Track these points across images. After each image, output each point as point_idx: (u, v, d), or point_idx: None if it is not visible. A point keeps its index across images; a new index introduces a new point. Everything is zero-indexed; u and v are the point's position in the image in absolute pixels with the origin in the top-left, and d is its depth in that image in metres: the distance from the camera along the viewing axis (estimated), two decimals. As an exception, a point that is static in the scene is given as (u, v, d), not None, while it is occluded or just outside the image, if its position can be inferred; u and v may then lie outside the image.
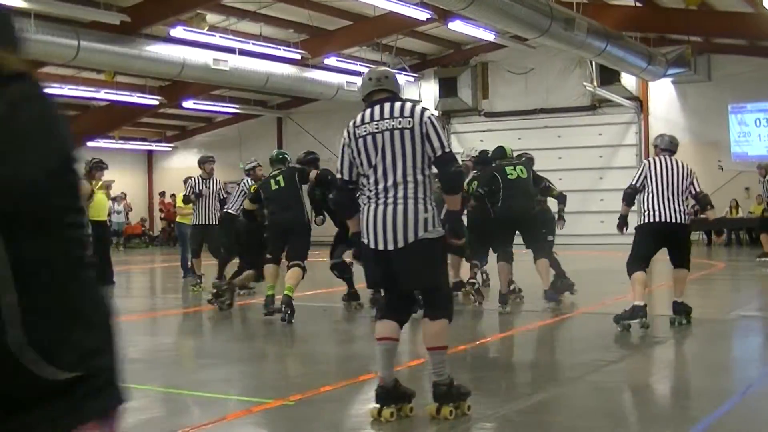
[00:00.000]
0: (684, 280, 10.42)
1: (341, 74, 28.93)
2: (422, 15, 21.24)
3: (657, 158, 10.35)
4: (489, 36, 23.72)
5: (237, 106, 33.31)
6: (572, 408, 6.57)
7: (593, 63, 26.48)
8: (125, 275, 18.02)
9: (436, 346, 6.00)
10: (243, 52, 24.63)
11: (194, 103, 30.92)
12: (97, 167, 14.95)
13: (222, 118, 36.67)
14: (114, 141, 34.62)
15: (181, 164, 36.90)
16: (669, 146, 10.53)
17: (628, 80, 28.17)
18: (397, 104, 6.00)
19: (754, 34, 24.27)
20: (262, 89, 28.31)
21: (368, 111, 6.08)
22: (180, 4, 21.68)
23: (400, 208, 5.81)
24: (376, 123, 5.96)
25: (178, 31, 21.70)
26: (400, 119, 5.88)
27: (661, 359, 8.61)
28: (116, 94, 28.04)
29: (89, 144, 32.33)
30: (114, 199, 30.57)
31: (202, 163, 16.55)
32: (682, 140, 26.89)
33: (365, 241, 5.99)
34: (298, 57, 25.68)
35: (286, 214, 11.46)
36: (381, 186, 5.90)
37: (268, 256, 11.66)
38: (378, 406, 5.99)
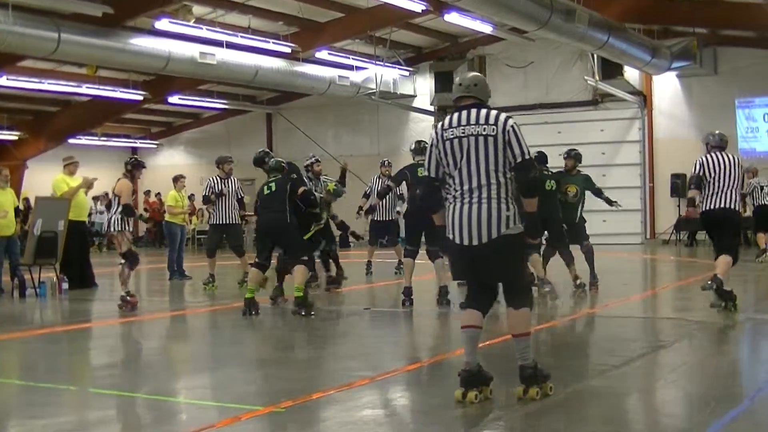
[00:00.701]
0: (727, 265, 11.43)
1: (333, 68, 28.96)
2: (417, 6, 21.23)
3: (710, 155, 11.55)
4: (486, 28, 23.71)
5: (225, 101, 33.27)
6: (574, 414, 6.57)
7: (595, 56, 26.50)
8: (108, 278, 17.97)
9: (520, 333, 6.76)
10: (231, 46, 24.61)
11: (180, 99, 30.87)
12: (138, 166, 14.81)
13: (209, 114, 36.65)
14: (96, 138, 34.60)
15: (166, 162, 36.87)
16: (720, 143, 11.76)
17: (631, 74, 28.18)
18: (483, 111, 6.70)
19: (762, 25, 24.27)
20: (250, 84, 28.26)
21: (456, 115, 6.76)
22: (165, -6, 21.68)
23: (484, 207, 6.58)
24: (462, 128, 6.67)
25: (163, 24, 21.67)
26: (485, 126, 6.62)
27: (666, 364, 8.61)
28: (98, 89, 27.94)
29: (71, 141, 32.32)
30: (96, 199, 30.55)
31: (220, 163, 17.01)
32: (687, 136, 27.28)
33: (450, 236, 6.73)
34: (289, 50, 25.66)
35: (269, 215, 12.32)
36: (466, 186, 6.66)
37: (256, 260, 12.31)
38: (463, 389, 6.65)
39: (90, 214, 19.10)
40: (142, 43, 22.91)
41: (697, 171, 11.57)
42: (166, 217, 19.22)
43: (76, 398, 7.64)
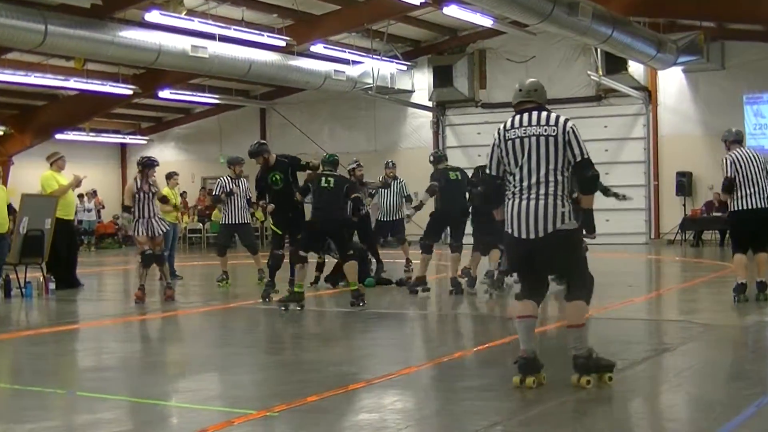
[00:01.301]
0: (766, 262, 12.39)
1: (329, 62, 28.96)
2: (416, -1, 21.28)
3: (735, 152, 12.55)
4: (487, 22, 23.73)
5: (217, 96, 33.23)
6: (576, 418, 6.59)
7: (598, 50, 26.51)
8: (96, 277, 18.00)
9: (574, 324, 7.31)
10: (223, 39, 24.59)
11: (171, 93, 30.88)
12: (148, 165, 15.21)
13: (201, 109, 36.63)
14: (84, 133, 34.59)
15: (156, 158, 36.80)
16: (737, 137, 12.93)
17: (636, 69, 28.19)
18: (544, 113, 7.43)
19: (771, 18, 24.32)
20: (244, 78, 28.26)
21: (517, 117, 7.47)
22: (156, -14, 21.68)
23: (541, 203, 7.17)
24: (524, 128, 7.34)
25: (153, 16, 21.67)
26: (546, 127, 7.30)
27: (671, 367, 8.63)
28: (87, 82, 27.96)
29: (58, 136, 32.31)
30: (81, 196, 30.44)
31: (232, 164, 17.53)
32: (693, 133, 27.35)
33: (509, 230, 7.33)
34: (283, 44, 25.67)
35: (335, 213, 13.31)
36: (525, 183, 7.26)
37: (302, 253, 13.14)
38: (521, 375, 7.29)
39: (75, 212, 19.05)
40: (132, 35, 22.89)
41: (729, 172, 12.38)
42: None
43: (64, 402, 7.64)
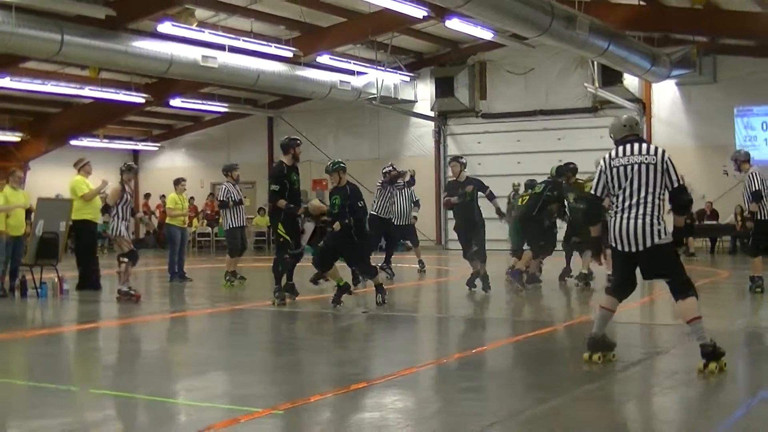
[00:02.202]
0: None
1: (334, 73, 28.98)
2: (419, 12, 21.21)
3: (753, 169, 14.61)
4: (487, 35, 23.74)
5: (226, 104, 33.26)
6: (572, 419, 6.57)
7: (595, 63, 26.48)
8: (112, 279, 17.96)
9: (691, 318, 8.02)
10: (233, 49, 24.61)
11: (182, 102, 30.90)
12: (129, 170, 15.47)
13: (210, 117, 36.64)
14: (98, 140, 34.61)
15: (167, 164, 36.91)
16: (747, 157, 14.99)
17: (631, 81, 28.20)
18: (644, 145, 8.32)
19: (762, 34, 24.27)
20: (252, 87, 28.28)
21: (621, 148, 8.34)
22: (168, -2, 21.71)
23: (639, 222, 8.11)
24: (627, 157, 8.22)
25: (165, 27, 21.69)
26: (647, 156, 8.18)
27: (664, 370, 8.61)
28: (101, 91, 27.99)
29: (72, 143, 32.33)
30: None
31: (230, 170, 17.82)
32: (686, 144, 27.31)
33: (613, 244, 8.27)
34: (290, 54, 25.68)
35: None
36: (627, 204, 8.18)
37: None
38: (589, 352, 8.42)
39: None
40: (145, 45, 22.94)
41: (757, 186, 14.37)
42: (167, 220, 19.24)
43: (77, 399, 7.64)
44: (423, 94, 32.17)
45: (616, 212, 8.25)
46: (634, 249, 8.13)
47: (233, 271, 17.47)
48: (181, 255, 18.55)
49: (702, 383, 7.97)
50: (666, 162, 8.16)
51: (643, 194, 8.15)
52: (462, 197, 15.12)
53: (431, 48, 31.37)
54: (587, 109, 30.12)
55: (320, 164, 32.79)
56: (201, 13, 23.47)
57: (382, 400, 7.30)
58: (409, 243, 19.55)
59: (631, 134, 8.46)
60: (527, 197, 16.37)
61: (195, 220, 33.53)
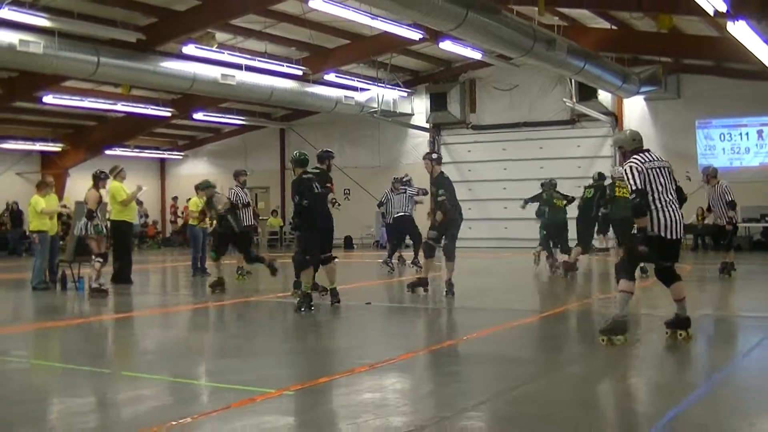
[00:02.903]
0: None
1: (340, 89, 28.98)
2: (415, 35, 21.25)
3: (724, 182, 15.97)
4: (476, 55, 23.74)
5: (243, 117, 33.29)
6: (552, 399, 6.57)
7: (572, 80, 26.47)
8: (142, 274, 18.01)
9: (679, 297, 8.91)
10: (249, 68, 24.66)
11: (203, 115, 30.90)
12: (106, 177, 15.34)
13: (229, 129, 36.63)
14: (130, 149, 34.59)
15: (191, 171, 36.86)
16: (715, 173, 16.15)
17: (605, 97, 28.16)
18: (656, 153, 9.03)
19: (719, 55, 24.35)
20: (266, 102, 28.30)
21: (646, 154, 8.81)
22: (191, 23, 21.70)
23: (678, 213, 8.72)
24: (657, 162, 8.77)
25: (189, 49, 21.76)
26: (665, 162, 8.89)
27: (636, 354, 8.61)
28: (132, 106, 28.06)
29: (107, 152, 32.35)
30: (140, 203, 30.50)
31: (239, 175, 17.49)
32: (654, 152, 27.25)
33: (662, 233, 8.60)
34: (300, 73, 25.72)
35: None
36: (666, 199, 8.65)
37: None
38: (622, 335, 8.64)
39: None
40: (171, 65, 22.97)
41: (732, 197, 15.78)
42: (190, 220, 19.30)
43: (109, 380, 7.63)
44: (419, 107, 32.12)
45: (657, 207, 8.62)
46: (679, 236, 8.70)
47: (241, 265, 17.47)
48: (203, 253, 18.58)
49: (669, 366, 7.98)
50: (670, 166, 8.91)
51: (672, 192, 8.73)
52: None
53: (426, 67, 31.34)
54: (566, 122, 30.11)
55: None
56: (221, 36, 23.49)
57: (382, 382, 7.30)
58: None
59: (641, 145, 8.93)
60: (582, 200, 17.29)
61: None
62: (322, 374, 7.35)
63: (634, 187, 8.57)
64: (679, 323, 8.87)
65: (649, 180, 8.63)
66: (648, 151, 8.84)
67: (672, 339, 8.82)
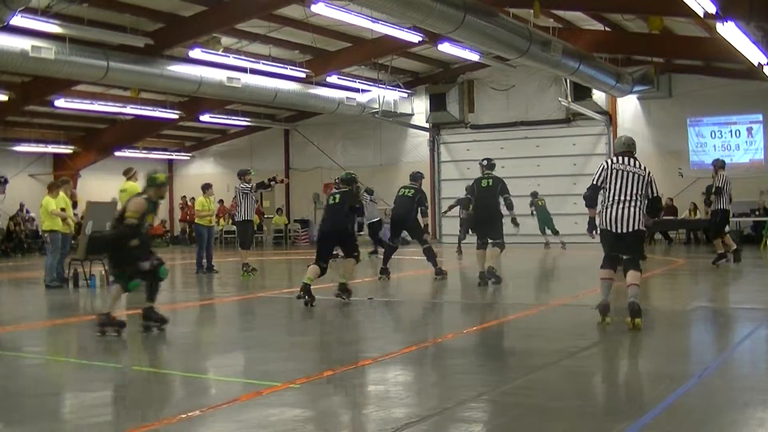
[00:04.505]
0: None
1: (342, 90, 28.98)
2: (414, 38, 21.28)
3: (723, 173, 16.81)
4: (474, 56, 23.74)
5: (248, 119, 33.31)
6: (546, 391, 6.58)
7: (568, 81, 26.51)
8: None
9: (633, 283, 9.28)
10: (254, 71, 24.68)
11: (210, 117, 30.90)
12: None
13: (235, 130, 36.65)
14: (138, 151, 34.60)
15: (198, 171, 36.87)
16: (723, 164, 17.17)
17: (599, 96, 28.13)
18: (636, 161, 9.59)
19: (709, 55, 24.36)
20: (270, 104, 28.26)
21: (620, 158, 9.60)
22: (198, 28, 21.72)
23: (626, 212, 9.38)
24: (624, 165, 9.51)
25: (196, 53, 21.76)
26: (638, 169, 9.49)
27: (628, 346, 8.62)
28: (141, 108, 28.07)
29: (116, 154, 32.40)
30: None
31: (243, 174, 17.97)
32: (647, 150, 27.28)
33: (604, 226, 9.51)
34: (303, 75, 25.71)
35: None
36: (617, 198, 9.41)
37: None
38: (602, 316, 9.55)
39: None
40: (178, 69, 22.98)
41: (720, 184, 16.63)
42: (196, 219, 19.35)
43: (121, 375, 7.66)
44: (419, 108, 32.11)
45: (606, 205, 9.48)
46: (621, 230, 9.37)
47: (246, 262, 17.46)
48: (209, 250, 18.56)
49: (661, 357, 7.99)
50: (650, 177, 9.51)
51: (631, 195, 9.39)
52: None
53: (426, 68, 31.33)
54: (561, 121, 30.09)
55: (330, 170, 32.91)
56: (226, 40, 23.51)
57: (386, 375, 7.31)
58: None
59: (626, 150, 9.65)
60: None
61: (222, 220, 33.53)
62: (327, 368, 7.36)
63: (591, 182, 9.65)
64: (633, 310, 9.16)
65: (609, 180, 9.50)
66: (628, 157, 9.59)
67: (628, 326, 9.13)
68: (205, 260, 18.48)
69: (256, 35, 23.92)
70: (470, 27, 16.91)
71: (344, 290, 12.35)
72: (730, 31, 15.52)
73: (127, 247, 9.70)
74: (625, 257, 9.52)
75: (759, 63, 18.75)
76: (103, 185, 27.52)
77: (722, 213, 17.04)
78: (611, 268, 9.68)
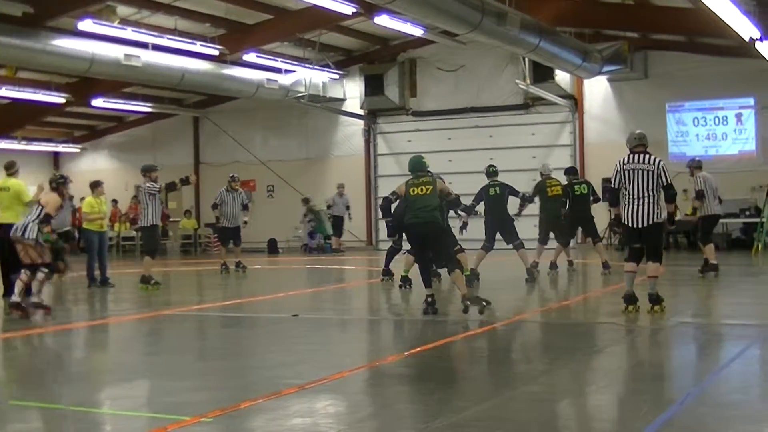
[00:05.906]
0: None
1: (261, 71, 28.91)
2: (347, 9, 21.26)
3: (706, 174, 17.81)
4: (417, 31, 23.83)
5: (150, 104, 33.06)
6: (507, 421, 6.60)
7: (526, 60, 26.72)
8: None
9: (653, 275, 11.93)
10: (156, 47, 24.47)
11: (104, 102, 30.62)
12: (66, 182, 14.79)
13: (134, 118, 36.37)
14: (16, 142, 34.11)
15: (90, 167, 36.49)
16: (700, 164, 18.22)
17: (563, 78, 28.46)
18: (650, 156, 11.91)
19: (693, 30, 24.69)
20: (177, 87, 28.08)
21: (632, 156, 11.95)
22: (88, -6, 21.49)
23: (643, 207, 11.77)
24: (635, 164, 11.87)
25: (86, 24, 21.48)
26: (649, 165, 11.81)
27: (599, 368, 8.70)
28: (18, 90, 27.64)
29: (-11, 145, 31.86)
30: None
31: (150, 170, 18.02)
32: (618, 140, 27.17)
33: (626, 222, 11.93)
34: (216, 53, 25.61)
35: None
36: (635, 195, 11.81)
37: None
38: (625, 305, 11.91)
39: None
40: (65, 44, 22.68)
41: (700, 186, 17.42)
42: (84, 224, 18.90)
43: (-4, 410, 7.51)
44: (352, 92, 32.17)
45: (628, 201, 11.82)
46: (640, 225, 11.71)
47: (149, 275, 17.34)
48: (102, 260, 18.26)
49: (637, 381, 8.08)
50: (660, 168, 11.73)
51: (645, 190, 11.71)
52: None
53: (360, 45, 31.41)
54: (519, 106, 30.40)
55: (248, 165, 32.78)
56: (123, 10, 23.27)
57: (314, 405, 7.28)
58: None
59: (639, 145, 11.99)
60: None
61: (117, 224, 33.20)
62: (245, 397, 7.30)
63: (610, 186, 12.18)
64: (652, 299, 11.82)
65: (623, 180, 11.88)
66: (640, 153, 11.87)
67: (631, 313, 11.77)
68: (98, 272, 18.23)
69: (159, 4, 23.75)
70: (413, -5, 16.99)
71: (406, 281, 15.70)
72: (717, 1, 15.69)
73: None
74: (646, 250, 11.90)
75: (750, 38, 18.74)
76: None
77: (711, 219, 17.93)
78: (635, 261, 12.01)
